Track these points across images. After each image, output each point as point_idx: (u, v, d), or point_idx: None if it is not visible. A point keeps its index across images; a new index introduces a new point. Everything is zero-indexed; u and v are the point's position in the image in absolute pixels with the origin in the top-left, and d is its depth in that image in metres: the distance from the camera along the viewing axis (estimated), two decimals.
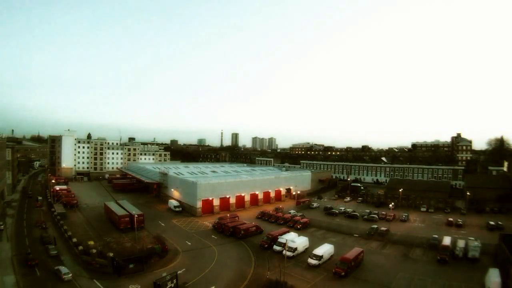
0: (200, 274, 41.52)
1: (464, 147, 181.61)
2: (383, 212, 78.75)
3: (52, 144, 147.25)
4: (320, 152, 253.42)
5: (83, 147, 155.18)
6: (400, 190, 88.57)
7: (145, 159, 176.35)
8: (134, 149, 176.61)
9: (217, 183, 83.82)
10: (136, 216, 57.89)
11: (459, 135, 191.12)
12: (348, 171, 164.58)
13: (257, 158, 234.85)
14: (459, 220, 71.21)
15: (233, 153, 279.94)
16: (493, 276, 36.45)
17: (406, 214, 77.31)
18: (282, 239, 50.84)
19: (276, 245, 51.10)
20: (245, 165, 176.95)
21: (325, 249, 47.69)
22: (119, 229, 59.97)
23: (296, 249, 48.92)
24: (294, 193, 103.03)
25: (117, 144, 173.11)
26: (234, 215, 71.79)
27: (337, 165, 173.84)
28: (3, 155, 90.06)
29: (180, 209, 78.73)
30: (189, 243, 54.69)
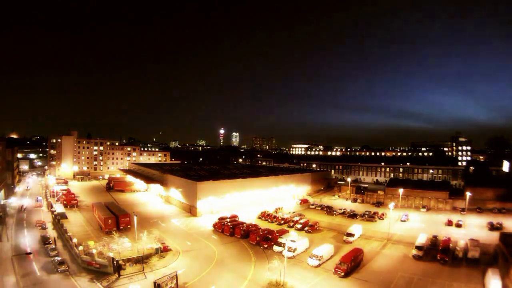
0: (200, 274, 41.53)
1: (464, 147, 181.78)
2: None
3: (52, 144, 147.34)
4: (320, 152, 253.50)
5: (83, 147, 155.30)
6: (400, 190, 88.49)
7: (144, 159, 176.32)
8: (134, 149, 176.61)
9: (217, 183, 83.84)
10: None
11: (459, 135, 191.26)
12: (348, 171, 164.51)
13: (257, 158, 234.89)
14: (459, 220, 71.18)
15: (233, 153, 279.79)
16: (493, 276, 36.43)
17: (406, 214, 77.29)
18: (282, 239, 50.90)
19: (276, 245, 51.12)
20: (245, 165, 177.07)
21: (325, 249, 47.65)
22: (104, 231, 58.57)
23: (296, 249, 48.90)
24: (294, 193, 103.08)
25: (117, 144, 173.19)
26: (234, 215, 71.76)
27: (337, 165, 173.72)
28: (3, 155, 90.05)
29: None
30: (189, 243, 54.70)
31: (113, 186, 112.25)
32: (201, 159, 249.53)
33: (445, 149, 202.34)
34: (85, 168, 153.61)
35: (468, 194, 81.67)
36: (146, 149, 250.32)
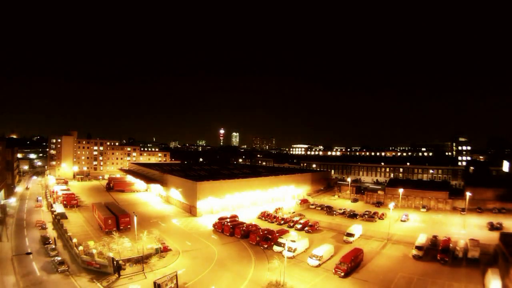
0: (200, 274, 41.54)
1: (464, 147, 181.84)
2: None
3: (52, 144, 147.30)
4: (320, 152, 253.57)
5: (83, 147, 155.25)
6: (400, 190, 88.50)
7: (144, 159, 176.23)
8: (134, 149, 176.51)
9: (217, 183, 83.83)
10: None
11: (459, 135, 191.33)
12: (348, 171, 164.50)
13: (257, 158, 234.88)
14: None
15: (233, 153, 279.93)
16: (493, 276, 36.42)
17: (406, 214, 77.29)
18: (282, 239, 50.90)
19: (276, 245, 51.11)
20: (245, 165, 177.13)
21: (325, 249, 47.64)
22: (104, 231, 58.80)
23: (296, 249, 48.90)
24: (294, 193, 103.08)
25: (117, 144, 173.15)
26: (234, 215, 71.74)
27: (337, 165, 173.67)
28: (3, 155, 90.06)
29: None
30: (189, 243, 54.71)
31: (113, 186, 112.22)
32: (201, 159, 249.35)
33: (445, 149, 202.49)
34: (85, 168, 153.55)
35: (468, 194, 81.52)
36: (146, 149, 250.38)
